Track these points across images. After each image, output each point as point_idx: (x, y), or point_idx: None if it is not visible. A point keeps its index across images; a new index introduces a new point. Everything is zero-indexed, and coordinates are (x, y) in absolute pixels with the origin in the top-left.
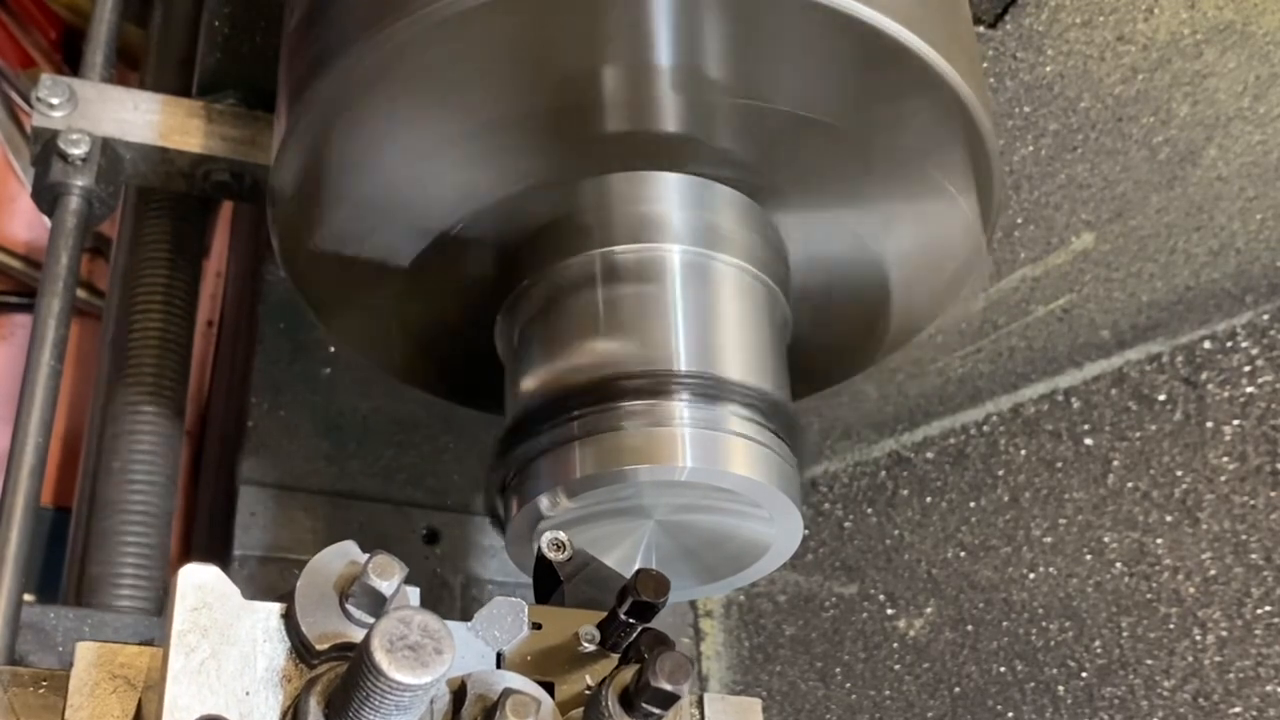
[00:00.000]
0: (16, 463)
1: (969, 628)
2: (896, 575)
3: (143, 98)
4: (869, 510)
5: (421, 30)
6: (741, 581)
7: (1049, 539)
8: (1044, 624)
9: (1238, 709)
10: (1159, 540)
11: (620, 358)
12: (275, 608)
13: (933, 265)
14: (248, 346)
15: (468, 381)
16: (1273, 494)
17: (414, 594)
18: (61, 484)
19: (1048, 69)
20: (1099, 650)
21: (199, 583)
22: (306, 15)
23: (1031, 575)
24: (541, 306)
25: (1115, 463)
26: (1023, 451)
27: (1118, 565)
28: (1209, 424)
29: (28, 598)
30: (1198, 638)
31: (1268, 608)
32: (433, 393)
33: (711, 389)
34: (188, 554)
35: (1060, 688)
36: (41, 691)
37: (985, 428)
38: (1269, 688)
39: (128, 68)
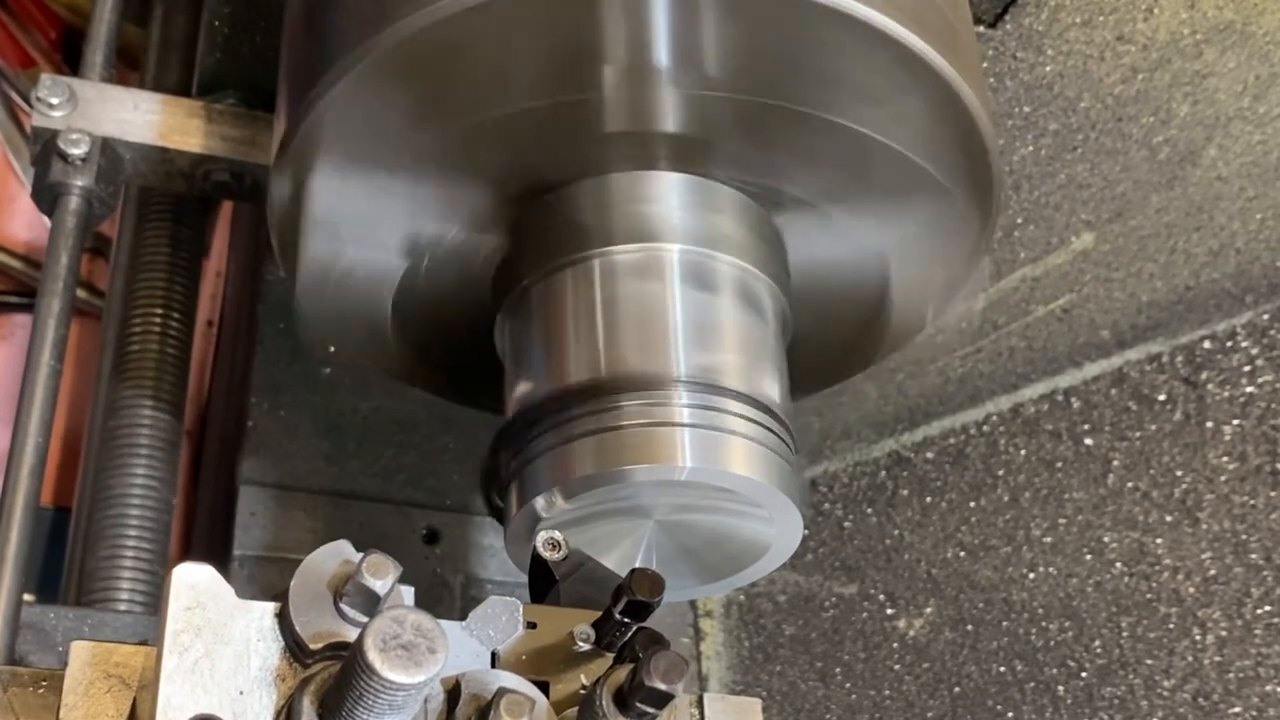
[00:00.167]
0: (16, 463)
1: (969, 628)
2: (896, 575)
3: (143, 97)
4: (869, 510)
5: (421, 30)
6: (741, 581)
7: (1049, 539)
8: (1044, 624)
9: (1238, 709)
10: (1159, 540)
11: (619, 358)
12: (269, 607)
13: (933, 265)
14: (248, 346)
15: (467, 381)
16: (1273, 494)
17: (408, 593)
18: (61, 484)
19: (1048, 69)
20: (1099, 650)
21: (193, 582)
22: (305, 15)
23: (1031, 575)
24: (541, 306)
25: (1115, 463)
26: (1023, 451)
27: (1118, 565)
28: (1209, 424)
29: (28, 598)
30: (1198, 638)
31: (1268, 608)
32: (432, 392)
33: (711, 389)
34: (187, 554)
35: (1060, 688)
36: (41, 691)
37: (985, 428)
38: (1269, 688)
39: (128, 68)
